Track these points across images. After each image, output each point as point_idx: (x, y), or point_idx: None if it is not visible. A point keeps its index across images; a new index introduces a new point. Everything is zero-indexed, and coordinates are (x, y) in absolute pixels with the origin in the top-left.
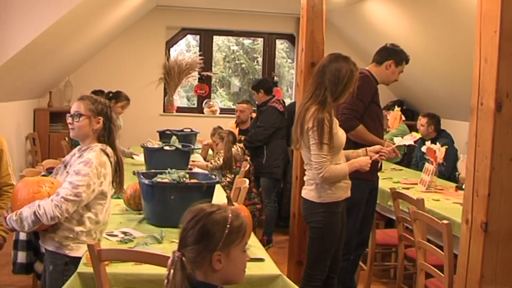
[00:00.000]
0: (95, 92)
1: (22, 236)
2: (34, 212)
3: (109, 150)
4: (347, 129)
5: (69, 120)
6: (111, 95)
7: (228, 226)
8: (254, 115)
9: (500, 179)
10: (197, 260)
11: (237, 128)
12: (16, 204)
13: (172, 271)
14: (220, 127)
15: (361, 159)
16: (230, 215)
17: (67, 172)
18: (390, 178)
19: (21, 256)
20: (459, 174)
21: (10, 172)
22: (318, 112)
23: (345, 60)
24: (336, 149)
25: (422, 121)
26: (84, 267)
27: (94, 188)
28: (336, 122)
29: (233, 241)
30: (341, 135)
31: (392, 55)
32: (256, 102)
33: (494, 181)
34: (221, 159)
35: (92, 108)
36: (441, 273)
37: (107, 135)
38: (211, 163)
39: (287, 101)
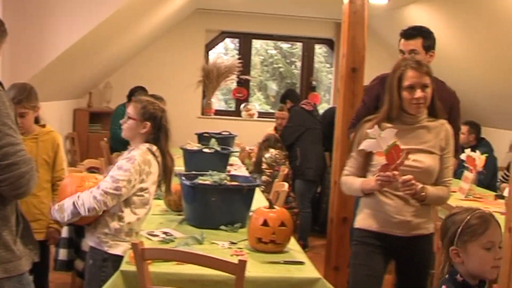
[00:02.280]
0: (135, 89)
1: (64, 233)
2: (73, 202)
3: (156, 150)
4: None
5: (123, 120)
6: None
7: (462, 224)
8: None
9: None
10: (446, 253)
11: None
12: (61, 198)
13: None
14: (274, 136)
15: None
16: (468, 216)
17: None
18: None
19: (63, 254)
20: (499, 183)
21: (64, 167)
22: None
23: None
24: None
25: (463, 129)
26: (127, 266)
27: (134, 184)
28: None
29: (469, 238)
30: None
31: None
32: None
33: None
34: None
35: (141, 112)
36: None
37: (156, 139)
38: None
39: (325, 106)
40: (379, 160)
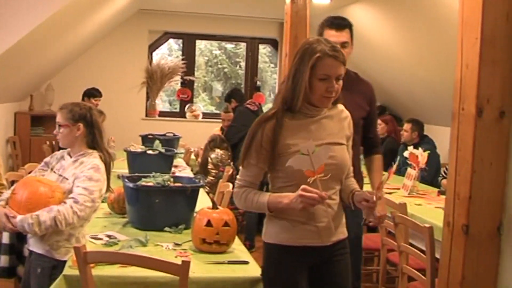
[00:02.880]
0: (90, 90)
1: (5, 239)
2: (54, 217)
3: (103, 155)
4: None
5: (55, 130)
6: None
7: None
8: None
9: (481, 182)
10: None
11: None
12: (32, 206)
13: None
14: (220, 136)
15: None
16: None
17: (60, 176)
18: None
19: (4, 260)
20: (441, 178)
21: (1, 172)
22: None
23: None
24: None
25: (406, 126)
26: (70, 270)
27: (102, 194)
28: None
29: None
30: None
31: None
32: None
33: (475, 184)
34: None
35: (70, 116)
36: (423, 276)
37: (93, 139)
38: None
39: (270, 106)
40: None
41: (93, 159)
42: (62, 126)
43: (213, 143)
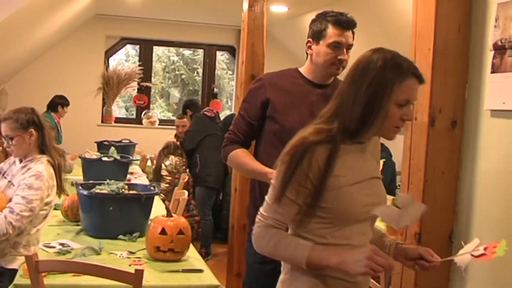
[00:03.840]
0: (55, 98)
1: None
2: None
3: (52, 160)
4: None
5: (5, 144)
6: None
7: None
8: None
9: (433, 191)
10: None
11: (178, 143)
12: None
13: None
14: (174, 143)
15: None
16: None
17: (9, 182)
18: None
19: None
20: (397, 187)
21: None
22: None
23: None
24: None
25: None
26: (21, 279)
27: (45, 201)
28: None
29: None
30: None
31: (309, 33)
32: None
33: (428, 193)
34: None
35: (17, 125)
36: (377, 284)
37: (43, 141)
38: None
39: (227, 112)
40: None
41: (39, 165)
42: (14, 137)
43: (167, 150)
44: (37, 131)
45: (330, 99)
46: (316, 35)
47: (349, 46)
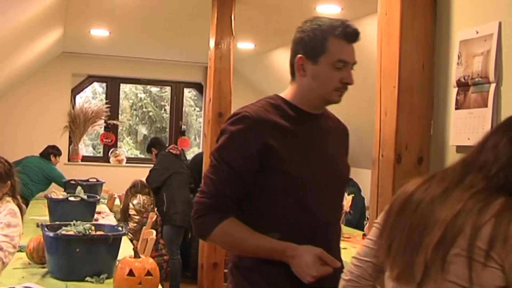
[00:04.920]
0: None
1: None
2: None
3: (19, 202)
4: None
5: None
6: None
7: None
8: None
9: None
10: None
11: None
12: None
13: None
14: (141, 181)
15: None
16: None
17: None
18: None
19: None
20: (366, 222)
21: None
22: None
23: None
24: None
25: None
26: None
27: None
28: None
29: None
30: None
31: (299, 47)
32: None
33: None
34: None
35: None
36: None
37: (14, 189)
38: None
39: (195, 150)
40: None
41: (8, 203)
42: None
43: (134, 189)
44: (11, 182)
45: (329, 134)
46: (313, 51)
47: (353, 65)
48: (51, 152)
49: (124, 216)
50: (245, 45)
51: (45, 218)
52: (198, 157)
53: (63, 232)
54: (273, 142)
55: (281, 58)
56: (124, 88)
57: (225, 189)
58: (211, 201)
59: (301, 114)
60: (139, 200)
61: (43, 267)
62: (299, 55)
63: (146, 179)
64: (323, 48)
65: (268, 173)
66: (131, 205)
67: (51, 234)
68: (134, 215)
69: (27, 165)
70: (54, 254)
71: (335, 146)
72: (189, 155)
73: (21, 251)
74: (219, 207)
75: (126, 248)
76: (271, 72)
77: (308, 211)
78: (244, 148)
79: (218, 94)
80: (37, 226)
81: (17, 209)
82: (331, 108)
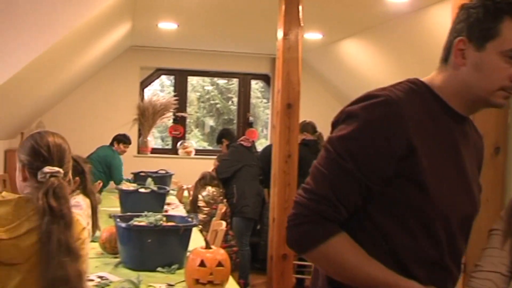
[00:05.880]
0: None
1: None
2: None
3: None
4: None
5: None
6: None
7: None
8: None
9: (477, 219)
10: None
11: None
12: None
13: None
14: (210, 173)
15: None
16: None
17: None
18: None
19: None
20: None
21: None
22: None
23: None
24: None
25: None
26: None
27: None
28: None
29: None
30: None
31: (461, 27)
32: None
33: None
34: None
35: None
36: None
37: (84, 185)
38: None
39: (263, 141)
40: None
41: (76, 197)
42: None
43: (203, 181)
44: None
45: (470, 145)
46: (479, 33)
47: None
48: (116, 138)
49: (193, 207)
50: (312, 36)
51: (117, 209)
52: (268, 149)
53: (135, 223)
54: (418, 144)
55: (350, 49)
56: (192, 80)
57: (344, 194)
58: (322, 207)
59: (449, 113)
60: (208, 192)
61: (115, 257)
62: (460, 37)
63: (215, 169)
64: (494, 31)
65: (401, 187)
66: (200, 197)
67: (123, 225)
68: (203, 206)
69: (94, 157)
70: (126, 245)
71: (472, 162)
72: (258, 147)
73: (94, 241)
74: (332, 216)
75: (196, 239)
76: (339, 63)
77: (437, 244)
78: (383, 143)
79: (287, 85)
80: (110, 217)
81: (83, 202)
82: None
